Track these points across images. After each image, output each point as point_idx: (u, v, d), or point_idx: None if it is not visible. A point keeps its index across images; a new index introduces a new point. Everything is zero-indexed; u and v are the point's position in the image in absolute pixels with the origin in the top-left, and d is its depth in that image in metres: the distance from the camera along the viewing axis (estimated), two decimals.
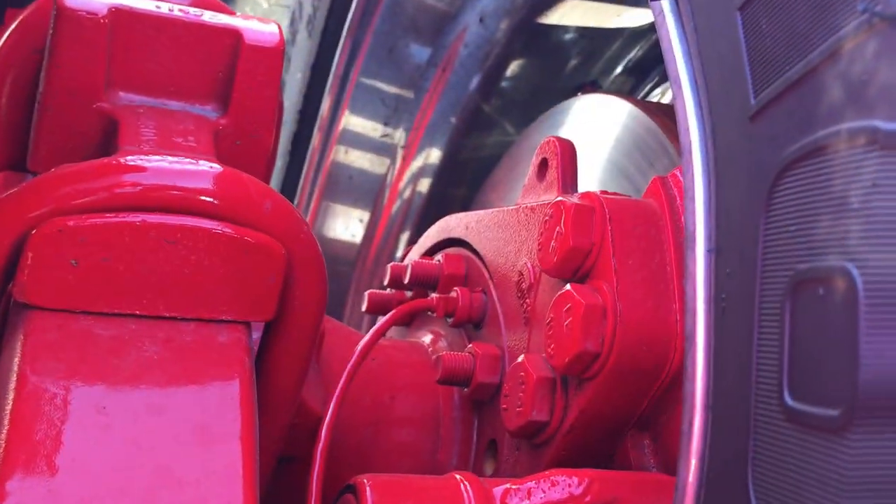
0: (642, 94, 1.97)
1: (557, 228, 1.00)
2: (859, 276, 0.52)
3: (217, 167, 0.84)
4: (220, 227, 0.82)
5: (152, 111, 0.94)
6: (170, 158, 0.83)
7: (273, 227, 0.84)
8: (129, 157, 0.82)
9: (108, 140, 0.94)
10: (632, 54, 1.92)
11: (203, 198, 0.81)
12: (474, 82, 1.87)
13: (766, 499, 0.60)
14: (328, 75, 1.93)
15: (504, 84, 1.91)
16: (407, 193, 1.99)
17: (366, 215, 2.03)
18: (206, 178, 0.82)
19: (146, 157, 0.83)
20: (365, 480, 0.87)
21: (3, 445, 0.72)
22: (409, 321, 1.42)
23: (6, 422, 0.74)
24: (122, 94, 0.97)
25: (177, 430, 0.76)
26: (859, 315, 0.52)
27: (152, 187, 0.81)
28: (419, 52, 1.88)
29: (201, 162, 0.83)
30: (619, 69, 1.95)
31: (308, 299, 0.88)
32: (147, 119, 0.93)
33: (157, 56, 0.97)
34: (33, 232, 0.80)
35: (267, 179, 1.04)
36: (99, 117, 0.94)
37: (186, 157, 0.84)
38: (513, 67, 1.90)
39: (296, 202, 2.04)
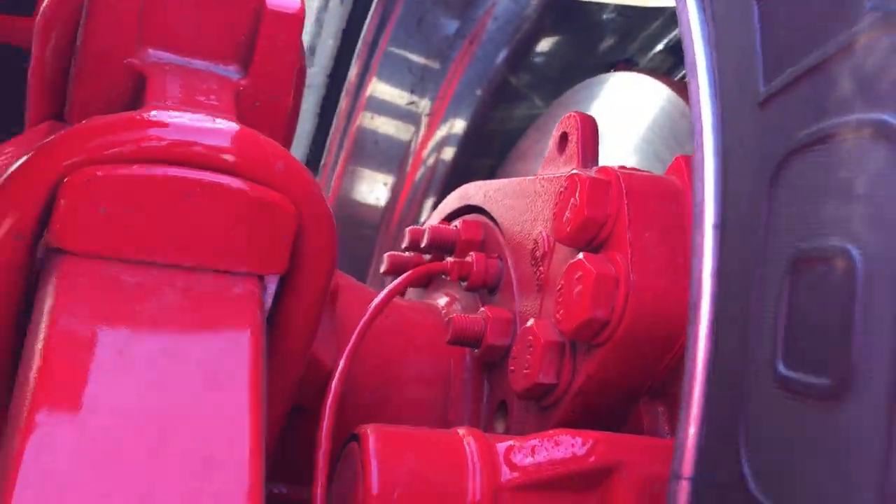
0: (682, 74, 1.96)
1: (572, 200, 1.02)
2: (859, 258, 0.54)
3: (235, 126, 0.87)
4: (235, 184, 0.85)
5: (179, 69, 0.98)
6: (191, 116, 0.86)
7: (285, 185, 0.87)
8: (153, 113, 0.86)
9: (137, 95, 0.98)
10: (673, 33, 1.92)
11: (220, 155, 0.85)
12: (502, 56, 1.89)
13: (756, 460, 0.62)
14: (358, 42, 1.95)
15: (533, 59, 1.92)
16: (431, 161, 2.02)
17: (390, 180, 2.07)
18: (224, 136, 0.86)
19: (170, 114, 0.86)
20: (368, 429, 0.91)
21: (34, 380, 0.76)
22: (427, 283, 1.45)
23: (36, 359, 0.78)
24: (151, 51, 1.01)
25: (190, 374, 0.80)
26: (857, 294, 0.54)
27: (174, 142, 0.84)
28: (447, 24, 1.90)
29: (221, 121, 0.86)
30: (658, 47, 1.95)
31: (318, 255, 0.91)
32: (173, 76, 0.96)
33: (185, 16, 1.01)
34: (66, 180, 0.84)
35: (286, 140, 1.07)
36: (130, 73, 0.98)
37: (207, 115, 0.87)
38: (543, 42, 1.91)
39: (322, 164, 2.07)
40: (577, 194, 1.02)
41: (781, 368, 0.59)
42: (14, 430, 0.74)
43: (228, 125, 0.87)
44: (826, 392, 0.54)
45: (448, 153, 2.01)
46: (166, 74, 0.96)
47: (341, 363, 1.09)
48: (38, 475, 0.70)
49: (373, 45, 1.92)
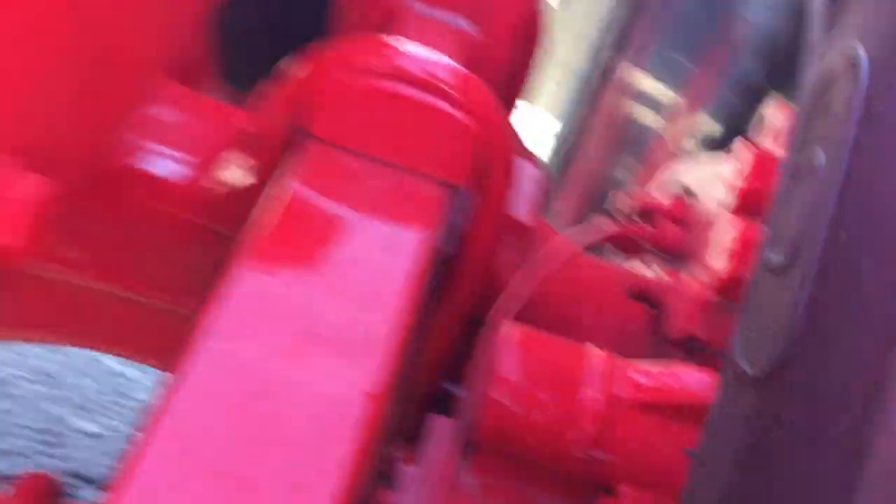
0: None
1: (741, 171, 1.13)
2: (822, 162, 0.64)
3: (446, 60, 1.08)
4: (440, 105, 1.06)
5: (420, 17, 1.21)
6: (417, 46, 1.08)
7: (478, 114, 1.07)
8: (389, 39, 1.09)
9: (386, 28, 1.22)
10: None
11: (433, 80, 1.06)
12: (754, 59, 1.95)
13: (738, 329, 0.71)
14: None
15: (785, 64, 1.95)
16: (679, 156, 2.11)
17: (639, 168, 2.19)
18: (437, 66, 1.07)
19: (402, 41, 1.09)
20: (506, 322, 1.07)
21: (263, 235, 1.01)
22: (634, 252, 1.58)
23: (260, 210, 1.03)
24: (408, 2, 1.26)
25: (369, 242, 1.02)
26: (815, 189, 0.64)
27: (399, 64, 1.07)
28: (704, 25, 1.99)
29: (437, 53, 1.08)
30: None
31: (495, 175, 1.10)
32: (415, 20, 1.19)
33: None
34: (323, 81, 1.09)
35: (505, 86, 1.27)
36: (385, 13, 1.23)
37: (431, 49, 1.09)
38: (796, 49, 1.94)
39: (578, 144, 2.24)
40: (745, 166, 1.12)
41: (768, 253, 0.69)
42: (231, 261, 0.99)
43: (442, 58, 1.08)
44: (781, 267, 0.64)
45: (697, 150, 2.10)
46: (409, 18, 1.20)
47: (517, 282, 1.26)
48: (240, 300, 0.94)
49: (634, 37, 2.05)
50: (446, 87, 1.07)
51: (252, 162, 1.24)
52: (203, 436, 0.81)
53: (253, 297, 0.94)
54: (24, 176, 0.81)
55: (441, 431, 1.09)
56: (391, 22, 1.19)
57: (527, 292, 1.27)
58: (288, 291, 0.95)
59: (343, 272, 0.99)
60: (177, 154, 1.32)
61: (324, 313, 0.94)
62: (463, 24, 1.24)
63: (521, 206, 1.33)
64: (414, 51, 1.10)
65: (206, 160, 1.31)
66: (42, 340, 1.63)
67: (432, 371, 1.34)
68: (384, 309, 0.95)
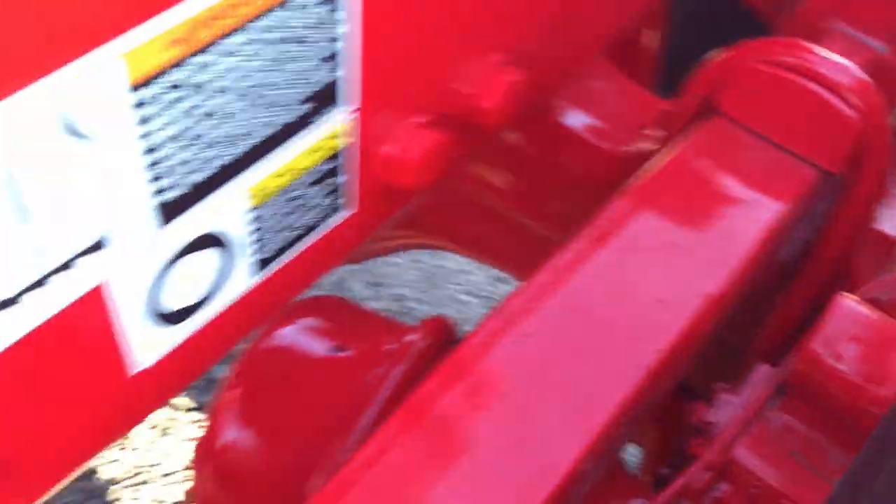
0: None
1: None
2: None
3: (848, 64, 1.25)
4: (832, 97, 1.24)
5: (838, 34, 1.40)
6: (823, 50, 1.27)
7: (864, 112, 1.22)
8: (801, 41, 1.30)
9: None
10: None
11: (829, 76, 1.24)
12: None
13: None
14: None
15: None
16: None
17: None
18: (836, 66, 1.25)
19: (812, 45, 1.29)
20: (845, 295, 1.20)
21: (643, 180, 1.23)
22: None
23: (654, 168, 1.26)
24: (832, 20, 1.44)
25: (737, 197, 1.20)
26: None
27: (803, 60, 1.26)
28: None
29: (841, 58, 1.26)
30: None
31: (868, 172, 1.25)
32: (833, 36, 1.38)
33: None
34: (738, 66, 1.31)
35: None
36: (809, 26, 1.43)
37: (836, 55, 1.28)
38: None
39: None
40: None
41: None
42: None
43: (842, 61, 1.26)
44: None
45: None
46: (829, 33, 1.39)
47: (870, 286, 1.37)
48: (608, 223, 1.16)
49: None
50: (840, 85, 1.24)
51: (663, 134, 1.48)
52: (549, 306, 1.06)
53: (620, 221, 1.17)
54: (508, 66, 1.13)
55: (763, 374, 1.25)
56: (813, 35, 1.38)
57: (875, 295, 1.38)
58: (650, 220, 1.18)
59: (705, 212, 1.20)
60: (602, 124, 1.61)
61: (677, 238, 1.16)
62: (877, 44, 1.40)
63: (890, 221, 1.45)
64: (819, 52, 1.28)
65: (625, 134, 1.58)
66: (447, 248, 2.00)
67: (770, 344, 1.49)
68: (732, 248, 1.14)
